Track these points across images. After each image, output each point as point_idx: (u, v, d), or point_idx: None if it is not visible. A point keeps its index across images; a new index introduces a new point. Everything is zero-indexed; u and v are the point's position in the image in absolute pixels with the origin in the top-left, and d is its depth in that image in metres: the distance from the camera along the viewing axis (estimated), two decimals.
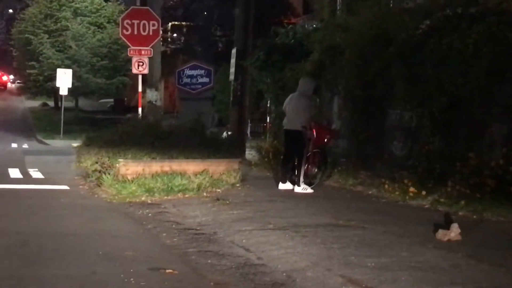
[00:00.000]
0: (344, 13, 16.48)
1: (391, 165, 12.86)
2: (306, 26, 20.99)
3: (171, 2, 50.31)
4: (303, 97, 12.77)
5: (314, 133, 12.76)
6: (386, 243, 7.99)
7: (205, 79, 30.63)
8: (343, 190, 12.92)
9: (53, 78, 33.85)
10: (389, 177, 12.40)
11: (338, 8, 17.40)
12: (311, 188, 12.47)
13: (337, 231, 8.66)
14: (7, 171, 16.37)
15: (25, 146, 27.60)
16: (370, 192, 12.34)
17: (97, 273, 6.72)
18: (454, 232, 8.08)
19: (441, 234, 8.13)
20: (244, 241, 8.33)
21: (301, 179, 12.38)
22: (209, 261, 7.43)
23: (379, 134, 13.51)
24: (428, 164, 11.68)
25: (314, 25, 19.18)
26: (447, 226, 8.28)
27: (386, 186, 12.13)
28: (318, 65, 15.70)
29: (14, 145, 27.64)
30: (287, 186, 12.66)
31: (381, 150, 13.36)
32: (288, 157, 12.92)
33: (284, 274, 6.81)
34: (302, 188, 12.34)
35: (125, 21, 20.24)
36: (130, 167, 13.04)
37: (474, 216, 9.68)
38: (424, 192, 11.14)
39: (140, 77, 20.67)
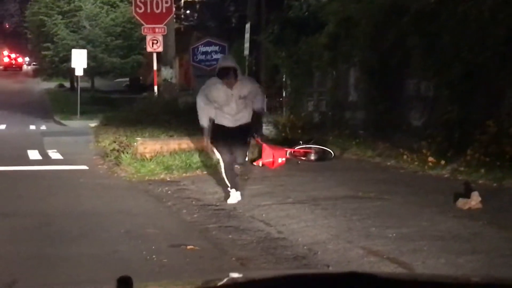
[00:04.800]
0: None
1: (410, 135, 12.80)
2: None
3: None
4: None
5: None
6: (406, 213, 7.99)
7: (220, 55, 30.49)
8: (362, 162, 12.89)
9: (68, 59, 33.86)
10: (407, 148, 12.36)
11: None
12: None
13: (357, 203, 8.66)
14: (27, 153, 16.46)
15: (43, 127, 27.71)
16: (388, 163, 12.30)
17: (120, 251, 6.77)
18: (475, 200, 8.05)
19: (461, 202, 8.11)
20: (264, 215, 8.35)
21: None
22: (229, 236, 7.46)
23: (396, 105, 13.44)
24: (446, 134, 11.62)
25: None
26: (467, 195, 8.26)
27: (405, 156, 12.08)
28: (333, 38, 15.60)
29: (32, 127, 27.75)
30: None
31: (399, 121, 13.29)
32: None
33: (305, 247, 6.82)
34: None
35: None
36: (148, 146, 13.09)
37: (494, 184, 9.63)
38: (443, 162, 11.09)
39: (154, 55, 20.69)
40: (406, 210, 8.21)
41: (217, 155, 9.73)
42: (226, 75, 9.22)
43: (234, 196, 9.37)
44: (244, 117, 9.48)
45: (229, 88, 9.25)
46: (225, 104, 9.31)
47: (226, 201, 9.36)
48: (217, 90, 9.31)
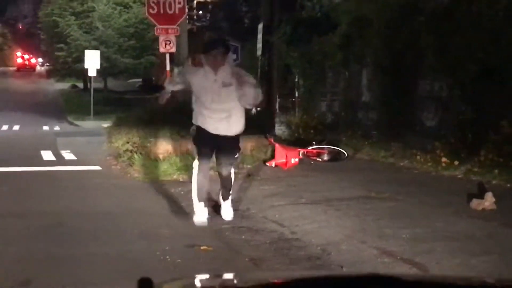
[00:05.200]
0: None
1: (423, 136, 12.77)
2: None
3: None
4: None
5: None
6: (420, 214, 7.96)
7: (232, 56, 30.51)
8: (375, 162, 12.86)
9: (81, 59, 34.00)
10: (420, 148, 12.32)
11: None
12: None
13: (370, 204, 8.63)
14: (40, 153, 16.53)
15: (57, 128, 27.84)
16: (402, 164, 12.27)
17: (133, 251, 6.78)
18: (489, 201, 8.01)
19: (475, 203, 8.07)
20: (277, 216, 8.34)
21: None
22: (243, 237, 7.45)
23: (409, 105, 13.41)
24: (460, 134, 11.58)
25: None
26: (481, 195, 8.22)
27: (418, 157, 12.05)
28: (346, 38, 15.59)
29: (45, 127, 27.89)
30: None
31: (412, 121, 13.27)
32: None
33: (319, 248, 6.81)
34: None
35: (151, 0, 20.21)
36: (161, 146, 13.10)
37: (508, 185, 9.59)
38: (456, 162, 11.06)
39: (167, 56, 20.67)
40: (420, 210, 8.18)
41: (195, 155, 8.16)
42: (213, 51, 7.67)
43: (200, 214, 7.91)
44: (231, 123, 7.92)
45: (212, 71, 7.68)
46: (205, 94, 7.71)
47: (193, 219, 7.96)
48: (197, 75, 7.81)
